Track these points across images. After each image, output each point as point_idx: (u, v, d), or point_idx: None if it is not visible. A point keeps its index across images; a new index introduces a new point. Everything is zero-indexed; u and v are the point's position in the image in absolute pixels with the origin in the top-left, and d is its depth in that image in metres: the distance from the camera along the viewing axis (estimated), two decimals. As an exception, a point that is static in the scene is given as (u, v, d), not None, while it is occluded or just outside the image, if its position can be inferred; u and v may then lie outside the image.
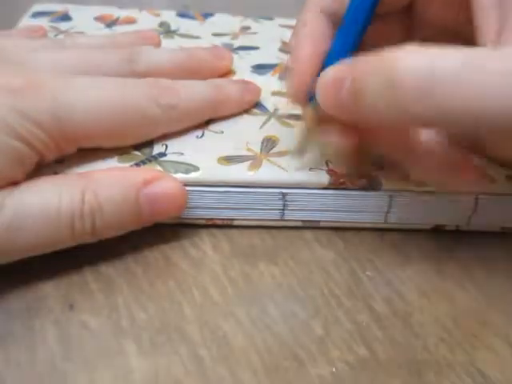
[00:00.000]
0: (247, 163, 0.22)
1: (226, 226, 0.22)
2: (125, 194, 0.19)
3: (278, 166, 0.22)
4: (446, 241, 0.23)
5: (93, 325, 0.18)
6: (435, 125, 0.18)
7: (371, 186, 0.21)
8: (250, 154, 0.22)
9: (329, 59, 0.20)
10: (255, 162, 0.22)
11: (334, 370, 0.18)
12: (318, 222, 0.23)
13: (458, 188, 0.21)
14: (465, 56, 0.15)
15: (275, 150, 0.23)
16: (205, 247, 0.22)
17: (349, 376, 0.17)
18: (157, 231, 0.22)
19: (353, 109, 0.18)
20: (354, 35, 0.20)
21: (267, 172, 0.21)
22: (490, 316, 0.20)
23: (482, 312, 0.20)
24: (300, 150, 0.22)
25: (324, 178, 0.21)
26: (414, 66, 0.15)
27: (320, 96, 0.19)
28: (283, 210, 0.22)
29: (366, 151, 0.21)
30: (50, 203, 0.18)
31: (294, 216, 0.22)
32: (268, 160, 0.22)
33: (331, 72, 0.18)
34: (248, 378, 0.17)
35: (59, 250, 0.20)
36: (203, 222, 0.22)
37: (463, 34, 0.19)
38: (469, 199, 0.22)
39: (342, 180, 0.21)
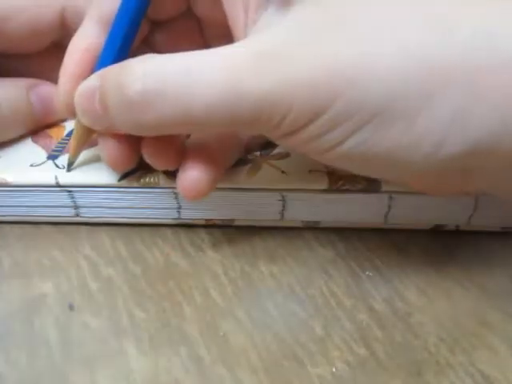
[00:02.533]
0: (247, 167, 0.22)
1: (226, 226, 0.23)
2: (16, 92, 0.22)
3: (278, 170, 0.22)
4: (446, 241, 0.23)
5: (93, 325, 0.18)
6: (172, 130, 0.17)
7: (370, 188, 0.21)
8: (249, 157, 0.22)
9: (96, 68, 0.19)
10: (254, 165, 0.22)
11: (334, 370, 0.18)
12: (318, 222, 0.23)
13: None
14: (187, 64, 0.15)
15: (275, 152, 0.23)
16: (205, 247, 0.22)
17: (349, 376, 0.17)
18: (157, 231, 0.22)
19: (105, 120, 0.18)
20: (118, 42, 0.19)
21: (266, 176, 0.21)
22: (490, 316, 0.20)
23: (482, 312, 0.20)
24: (70, 164, 0.21)
25: (323, 181, 0.21)
26: (141, 75, 0.16)
27: (76, 107, 0.19)
28: (283, 211, 0.22)
29: None
30: None
31: (293, 217, 0.22)
32: (267, 163, 0.22)
33: (85, 83, 0.18)
34: (248, 377, 0.17)
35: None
36: (203, 222, 0.22)
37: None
38: (469, 199, 0.22)
39: (341, 182, 0.21)
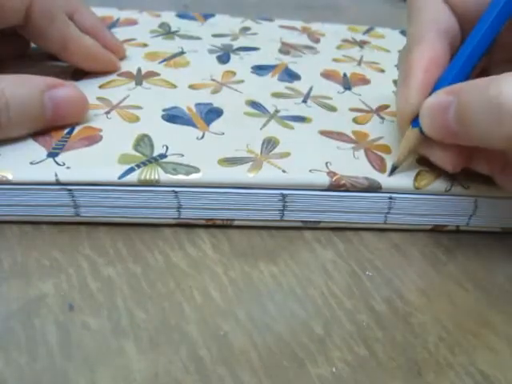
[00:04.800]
0: (248, 165, 0.22)
1: (226, 226, 0.23)
2: (30, 93, 0.21)
3: (279, 168, 0.22)
4: (446, 241, 0.23)
5: (93, 325, 0.18)
6: None
7: (371, 187, 0.21)
8: (250, 155, 0.22)
9: (439, 85, 0.20)
10: (255, 163, 0.22)
11: (334, 370, 0.18)
12: (318, 222, 0.23)
13: None
14: None
15: (276, 151, 0.23)
16: (205, 247, 0.22)
17: (349, 376, 0.17)
18: (157, 231, 0.22)
19: (457, 132, 0.19)
20: (471, 62, 0.20)
21: (267, 174, 0.21)
22: (490, 316, 0.20)
23: (482, 312, 0.20)
24: (395, 168, 0.22)
25: (324, 179, 0.21)
26: None
27: (424, 120, 0.20)
28: (283, 210, 0.22)
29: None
30: None
31: (293, 217, 0.22)
32: (268, 161, 0.22)
33: (436, 98, 0.19)
34: (248, 377, 0.17)
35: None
36: (203, 222, 0.22)
37: None
38: (469, 199, 0.22)
39: (342, 182, 0.21)
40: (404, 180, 0.22)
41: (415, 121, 0.21)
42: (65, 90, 0.23)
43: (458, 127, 0.19)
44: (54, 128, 0.23)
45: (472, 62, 0.20)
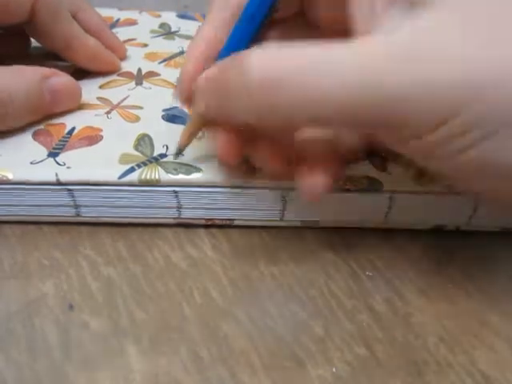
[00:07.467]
0: (248, 164, 0.22)
1: (226, 225, 0.23)
2: (30, 83, 0.22)
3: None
4: (446, 241, 0.23)
5: (93, 325, 0.18)
6: (281, 123, 0.17)
7: (372, 187, 0.21)
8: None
9: (219, 58, 0.20)
10: None
11: (334, 370, 0.18)
12: (318, 222, 0.23)
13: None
14: (312, 55, 0.15)
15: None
16: (205, 247, 0.22)
17: (349, 376, 0.17)
18: (157, 231, 0.22)
19: (218, 109, 0.18)
20: (243, 34, 0.19)
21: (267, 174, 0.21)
22: (490, 316, 0.20)
23: (482, 312, 0.20)
24: (180, 151, 0.21)
25: None
26: (263, 65, 0.15)
27: (196, 95, 0.19)
28: (283, 210, 0.22)
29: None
30: None
31: (293, 217, 0.22)
32: None
33: (205, 73, 0.18)
34: (248, 378, 0.17)
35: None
36: (203, 222, 0.22)
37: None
38: (469, 199, 0.22)
39: (342, 182, 0.21)
40: (405, 178, 0.22)
41: None
42: (59, 78, 0.24)
43: (216, 102, 0.18)
44: (55, 127, 0.23)
45: (247, 31, 0.19)
